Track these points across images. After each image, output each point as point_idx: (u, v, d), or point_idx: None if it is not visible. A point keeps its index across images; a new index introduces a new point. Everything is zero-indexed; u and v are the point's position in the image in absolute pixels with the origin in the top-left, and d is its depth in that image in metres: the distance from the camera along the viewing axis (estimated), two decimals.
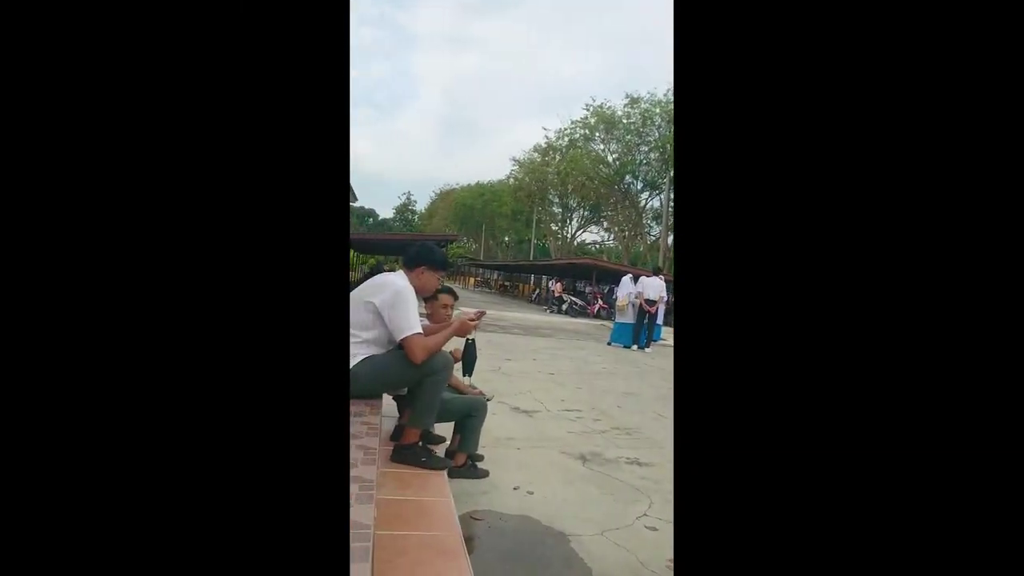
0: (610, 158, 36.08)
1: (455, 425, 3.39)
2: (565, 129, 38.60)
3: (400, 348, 2.73)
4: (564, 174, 37.37)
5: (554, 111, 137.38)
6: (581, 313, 21.64)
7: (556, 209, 45.62)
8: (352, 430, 2.20)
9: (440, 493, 2.54)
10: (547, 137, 45.90)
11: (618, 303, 12.46)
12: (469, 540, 2.61)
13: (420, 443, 2.86)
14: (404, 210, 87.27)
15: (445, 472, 2.82)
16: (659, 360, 10.49)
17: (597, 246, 48.57)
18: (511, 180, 48.85)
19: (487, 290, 45.01)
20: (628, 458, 4.37)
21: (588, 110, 36.25)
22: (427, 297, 3.24)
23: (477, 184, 62.43)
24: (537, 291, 33.22)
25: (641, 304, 11.88)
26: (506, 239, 60.47)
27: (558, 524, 3.10)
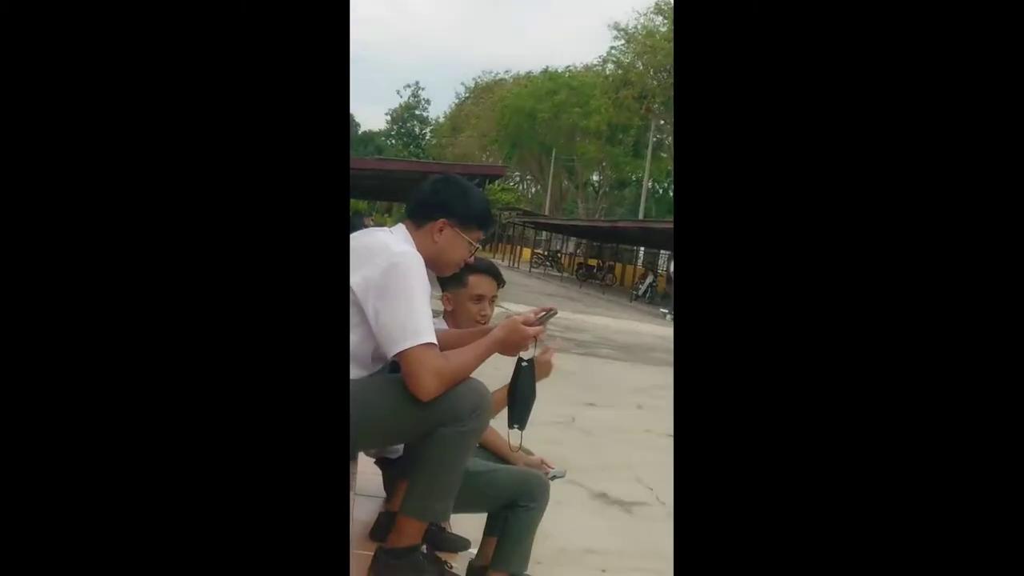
0: None
1: (489, 518, 1.99)
2: None
3: (395, 370, 1.60)
4: None
5: None
6: None
7: None
8: None
9: None
10: None
11: None
12: None
13: (422, 547, 1.68)
14: (408, 116, 51.35)
15: None
16: None
17: None
18: (608, 66, 28.10)
19: (555, 272, 27.26)
20: None
21: None
22: (448, 279, 1.97)
23: (544, 72, 34.38)
24: (651, 279, 20.06)
25: None
26: (595, 179, 34.51)
27: None
